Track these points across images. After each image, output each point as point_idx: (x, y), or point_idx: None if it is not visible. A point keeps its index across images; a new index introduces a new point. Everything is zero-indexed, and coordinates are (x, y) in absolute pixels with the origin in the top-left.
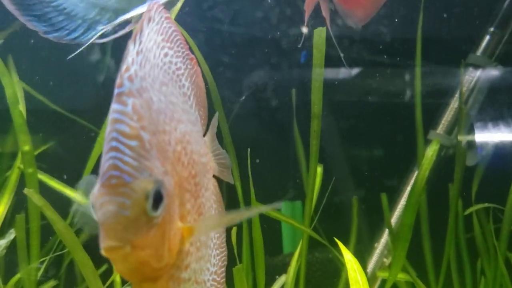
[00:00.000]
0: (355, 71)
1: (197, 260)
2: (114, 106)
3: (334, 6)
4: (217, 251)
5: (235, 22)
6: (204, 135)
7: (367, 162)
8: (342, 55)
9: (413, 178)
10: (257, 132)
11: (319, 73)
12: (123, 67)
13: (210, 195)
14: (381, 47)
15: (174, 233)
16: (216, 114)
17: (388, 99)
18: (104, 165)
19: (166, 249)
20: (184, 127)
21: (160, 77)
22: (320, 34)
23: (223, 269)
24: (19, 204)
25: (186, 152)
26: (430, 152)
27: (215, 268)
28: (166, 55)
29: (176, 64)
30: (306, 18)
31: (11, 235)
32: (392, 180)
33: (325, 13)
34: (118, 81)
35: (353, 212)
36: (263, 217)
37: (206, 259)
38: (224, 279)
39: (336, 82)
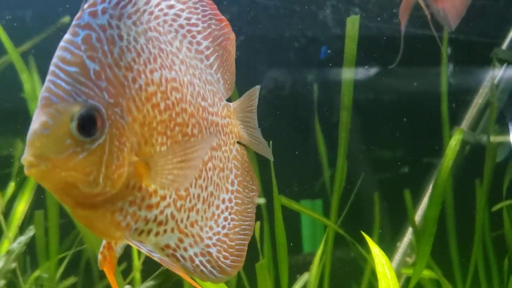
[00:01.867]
0: (375, 68)
1: (178, 208)
2: (65, 36)
3: (430, 8)
4: (232, 216)
5: (253, 18)
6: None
7: (389, 159)
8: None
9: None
10: (276, 127)
11: (351, 64)
12: (88, 3)
13: (224, 156)
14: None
15: (120, 164)
16: (256, 87)
17: (411, 96)
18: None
19: (102, 176)
20: (172, 74)
21: (151, 24)
22: (353, 24)
23: (241, 239)
24: (38, 201)
25: (167, 97)
26: (454, 142)
27: (224, 231)
28: (171, 7)
29: (189, 19)
30: (402, 21)
31: (30, 232)
32: (415, 178)
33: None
34: (77, 14)
35: (375, 210)
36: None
37: (203, 214)
38: (241, 251)
39: (359, 79)
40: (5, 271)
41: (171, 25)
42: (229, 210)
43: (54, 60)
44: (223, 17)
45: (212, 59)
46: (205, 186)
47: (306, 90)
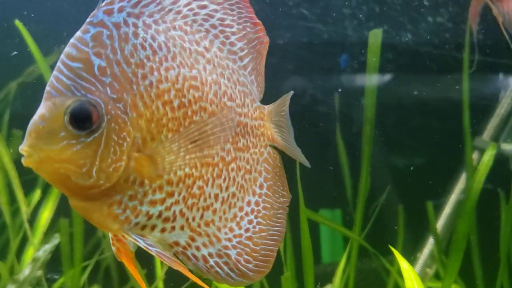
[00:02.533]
0: (396, 76)
1: (189, 206)
2: (76, 33)
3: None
4: (259, 219)
5: (275, 25)
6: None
7: (408, 169)
8: None
9: (459, 186)
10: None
11: (373, 77)
12: (106, 1)
13: (253, 158)
14: (424, 52)
15: (117, 158)
16: (290, 93)
17: (432, 104)
18: None
19: (95, 169)
20: (193, 73)
21: (177, 23)
22: (375, 37)
23: (268, 244)
24: (63, 209)
25: (182, 95)
26: (487, 157)
27: (247, 233)
28: (204, 7)
29: (223, 20)
30: (473, 25)
31: (55, 239)
32: (434, 188)
33: (497, 15)
34: (93, 13)
35: (399, 222)
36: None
37: (221, 215)
38: (267, 257)
39: (378, 87)
40: (31, 278)
41: (201, 25)
42: (255, 213)
43: (61, 56)
44: (258, 20)
45: (246, 60)
46: (225, 187)
47: (326, 98)
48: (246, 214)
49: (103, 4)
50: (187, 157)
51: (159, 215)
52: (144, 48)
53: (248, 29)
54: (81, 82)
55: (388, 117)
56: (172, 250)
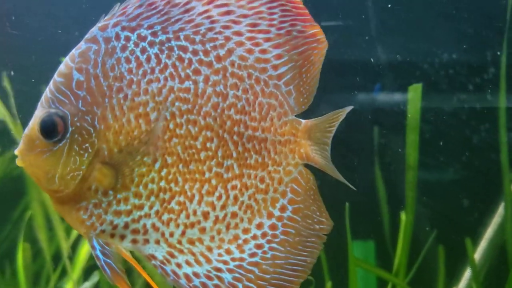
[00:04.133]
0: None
1: (164, 221)
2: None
3: None
4: (274, 245)
5: None
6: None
7: (442, 199)
8: None
9: (496, 218)
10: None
11: (415, 128)
12: (107, 17)
13: (271, 177)
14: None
15: (75, 167)
16: (346, 108)
17: (466, 129)
18: None
19: (58, 176)
20: (185, 85)
21: (184, 32)
22: (415, 91)
23: (285, 274)
24: None
25: (164, 108)
26: None
27: (252, 259)
28: (227, 13)
29: (254, 26)
30: None
31: (95, 277)
32: (471, 222)
33: None
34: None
35: (439, 262)
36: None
37: (214, 235)
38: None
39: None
40: None
41: (219, 33)
42: (268, 237)
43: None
44: (313, 23)
45: (283, 69)
46: (220, 205)
47: (364, 128)
48: (254, 237)
49: (104, 19)
50: (164, 171)
51: (126, 226)
52: (128, 61)
53: (295, 34)
54: (58, 95)
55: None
56: (150, 263)
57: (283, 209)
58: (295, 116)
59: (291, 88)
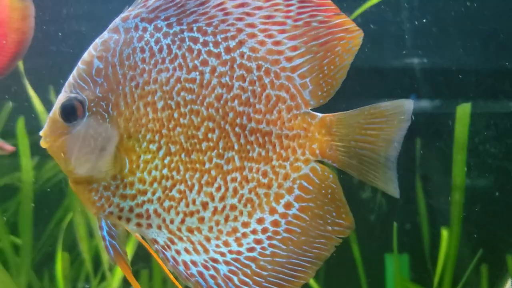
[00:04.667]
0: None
1: (165, 208)
2: None
3: None
4: (275, 242)
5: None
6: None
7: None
8: None
9: None
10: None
11: (462, 149)
12: (129, 8)
13: (275, 171)
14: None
15: (89, 150)
16: (383, 104)
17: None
18: None
19: (74, 157)
20: (191, 75)
21: (197, 24)
22: (464, 111)
23: (284, 273)
24: (142, 257)
25: (170, 97)
26: None
27: (251, 253)
28: (241, 5)
29: (268, 18)
30: None
31: None
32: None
33: None
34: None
35: (482, 281)
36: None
37: (213, 225)
38: (277, 286)
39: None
40: None
41: (232, 24)
42: (268, 233)
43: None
44: (338, 13)
45: (298, 61)
46: (219, 197)
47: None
48: (254, 232)
49: (127, 10)
50: (168, 159)
51: (130, 210)
52: (143, 51)
53: (315, 24)
54: (79, 81)
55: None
56: (153, 247)
57: (288, 206)
58: (313, 110)
59: (307, 81)
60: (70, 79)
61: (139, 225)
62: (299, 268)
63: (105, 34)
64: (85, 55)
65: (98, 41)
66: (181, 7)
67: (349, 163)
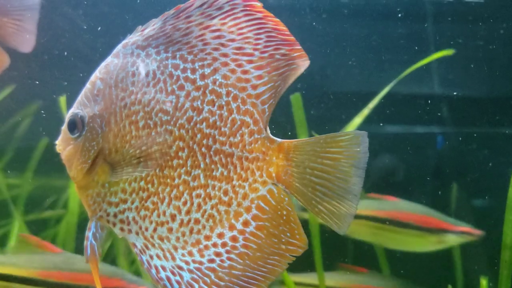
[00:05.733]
0: None
1: (141, 216)
2: None
3: None
4: (232, 256)
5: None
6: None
7: None
8: None
9: None
10: None
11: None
12: (129, 36)
13: (235, 191)
14: None
15: (83, 161)
16: (350, 133)
17: None
18: None
19: (73, 166)
20: (169, 98)
21: (180, 52)
22: None
23: (238, 285)
24: None
25: (149, 117)
26: None
27: (211, 264)
28: (218, 37)
29: (239, 49)
30: None
31: None
32: None
33: None
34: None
35: None
36: None
37: (179, 236)
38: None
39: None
40: None
41: (209, 53)
42: (227, 248)
43: None
44: (296, 45)
45: (262, 89)
46: (185, 210)
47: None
48: (214, 245)
49: (127, 38)
50: (144, 172)
51: (115, 215)
52: (133, 75)
53: (278, 57)
54: (84, 99)
55: None
56: (134, 250)
57: (246, 223)
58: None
59: (265, 108)
60: (79, 96)
61: (122, 229)
62: (253, 281)
63: (108, 58)
64: (92, 76)
65: (103, 64)
66: (169, 37)
67: (301, 191)
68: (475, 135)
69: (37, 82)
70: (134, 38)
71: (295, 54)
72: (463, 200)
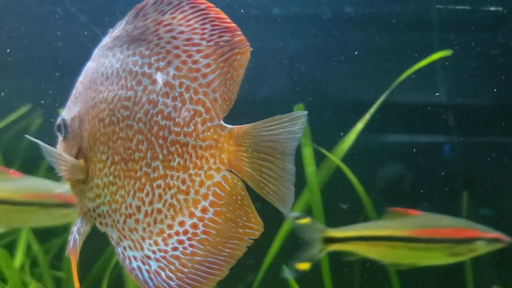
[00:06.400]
0: None
1: (113, 210)
2: None
3: None
4: (193, 242)
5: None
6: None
7: None
8: None
9: None
10: None
11: None
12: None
13: (192, 179)
14: None
15: (64, 159)
16: (292, 113)
17: None
18: None
19: (60, 163)
20: (128, 94)
21: (139, 49)
22: None
23: (201, 270)
24: None
25: (113, 114)
26: None
27: (175, 252)
28: (170, 31)
29: (189, 40)
30: None
31: None
32: None
33: None
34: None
35: None
36: None
37: (145, 226)
38: (195, 282)
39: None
40: None
41: (163, 47)
42: (188, 235)
43: None
44: (237, 31)
45: (211, 77)
46: (148, 201)
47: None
48: (177, 233)
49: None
50: (112, 167)
51: (93, 210)
52: (102, 75)
53: (222, 44)
54: (70, 103)
55: None
56: (112, 242)
57: (204, 210)
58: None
59: (217, 95)
60: (68, 100)
61: (101, 223)
62: (215, 266)
63: (88, 62)
64: (76, 80)
65: (84, 68)
66: (130, 35)
67: (251, 175)
68: (485, 143)
69: None
70: (105, 40)
71: (236, 39)
72: (473, 209)
